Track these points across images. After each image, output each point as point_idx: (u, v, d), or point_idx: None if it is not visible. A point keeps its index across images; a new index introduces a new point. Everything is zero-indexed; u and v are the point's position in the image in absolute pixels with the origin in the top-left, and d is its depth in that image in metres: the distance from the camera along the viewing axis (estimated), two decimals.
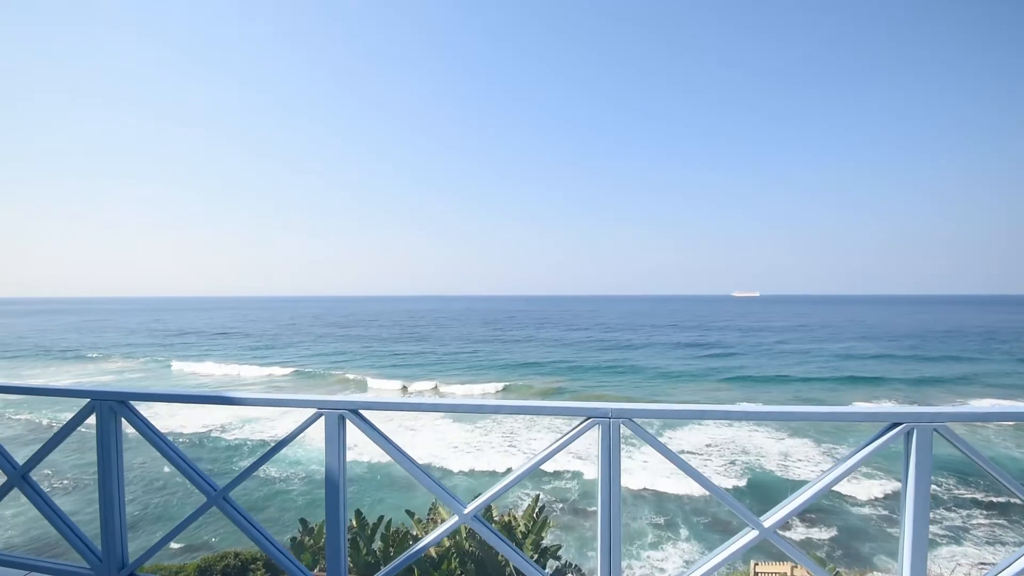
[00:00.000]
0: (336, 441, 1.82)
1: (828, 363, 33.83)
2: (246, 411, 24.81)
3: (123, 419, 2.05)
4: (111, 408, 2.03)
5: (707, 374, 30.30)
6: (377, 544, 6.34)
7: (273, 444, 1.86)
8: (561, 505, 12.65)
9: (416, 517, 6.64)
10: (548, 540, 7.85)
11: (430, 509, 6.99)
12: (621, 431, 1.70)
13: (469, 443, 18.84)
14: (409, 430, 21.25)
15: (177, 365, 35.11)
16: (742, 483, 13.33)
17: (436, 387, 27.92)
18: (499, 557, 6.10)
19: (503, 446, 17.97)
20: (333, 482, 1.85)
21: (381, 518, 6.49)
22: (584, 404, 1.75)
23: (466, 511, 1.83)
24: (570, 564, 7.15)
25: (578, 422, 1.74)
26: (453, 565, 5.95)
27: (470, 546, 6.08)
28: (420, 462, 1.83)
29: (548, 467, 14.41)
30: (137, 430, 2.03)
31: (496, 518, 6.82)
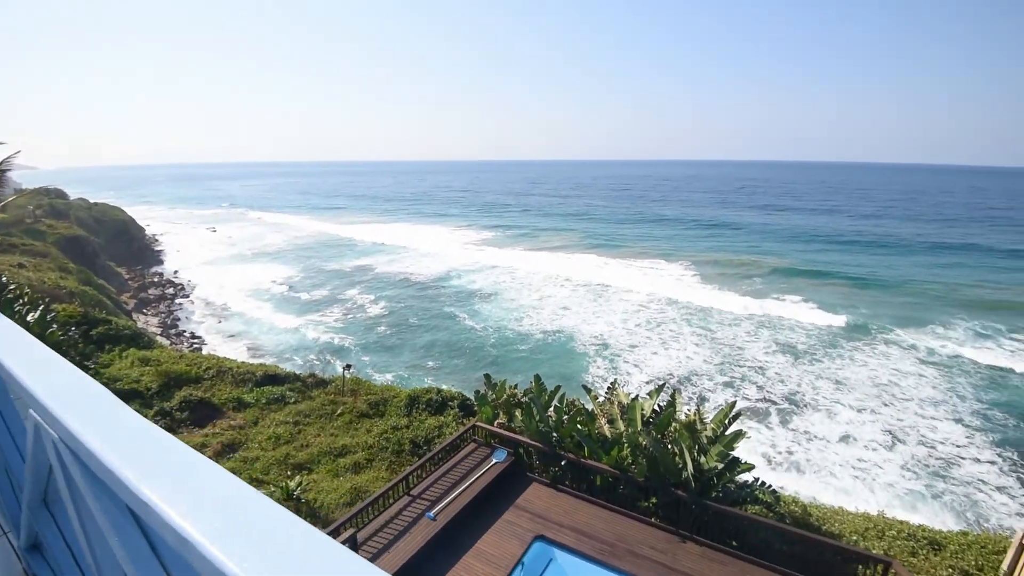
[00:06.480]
0: None
1: None
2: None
3: None
4: None
5: None
6: (550, 413, 6.65)
7: None
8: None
9: (593, 393, 6.60)
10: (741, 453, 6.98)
11: (609, 387, 6.82)
12: None
13: None
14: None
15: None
16: None
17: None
18: (675, 458, 5.68)
19: None
20: None
21: (558, 388, 6.67)
22: None
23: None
24: (764, 483, 6.27)
25: None
26: (624, 453, 5.83)
27: (645, 441, 5.79)
28: None
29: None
30: None
31: (681, 416, 6.25)
